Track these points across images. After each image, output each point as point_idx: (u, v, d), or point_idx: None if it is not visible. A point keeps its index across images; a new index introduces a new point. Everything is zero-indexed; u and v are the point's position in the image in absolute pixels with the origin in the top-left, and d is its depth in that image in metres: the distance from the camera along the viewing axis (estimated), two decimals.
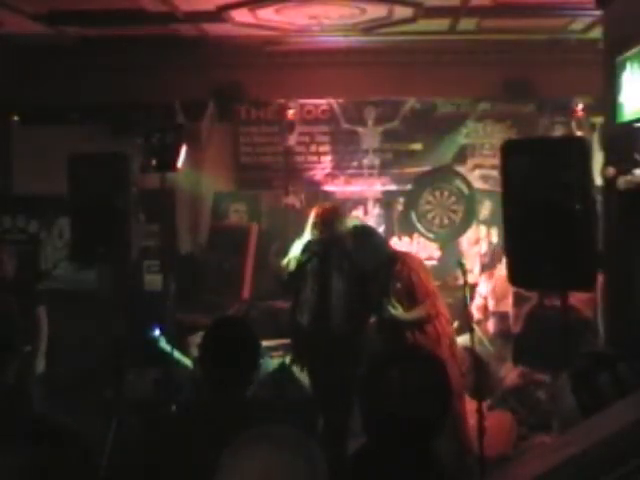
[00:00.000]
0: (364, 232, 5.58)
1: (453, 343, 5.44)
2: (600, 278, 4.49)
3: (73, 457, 1.57)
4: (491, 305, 7.39)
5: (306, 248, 5.50)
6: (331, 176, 8.53)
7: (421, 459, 2.07)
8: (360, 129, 8.50)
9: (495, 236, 8.13)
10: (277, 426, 1.73)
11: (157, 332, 5.90)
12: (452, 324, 5.64)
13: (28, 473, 1.49)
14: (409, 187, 8.42)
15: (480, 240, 8.37)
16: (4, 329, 2.87)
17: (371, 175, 8.49)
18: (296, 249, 5.57)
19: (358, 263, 5.39)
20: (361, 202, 8.51)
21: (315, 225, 5.49)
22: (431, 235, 8.31)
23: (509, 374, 6.67)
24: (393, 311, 5.26)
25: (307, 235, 5.57)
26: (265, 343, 6.11)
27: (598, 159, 5.04)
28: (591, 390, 2.16)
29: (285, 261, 5.58)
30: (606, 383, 2.02)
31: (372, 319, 5.61)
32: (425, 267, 5.66)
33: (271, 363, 6.17)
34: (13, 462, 1.49)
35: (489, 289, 7.46)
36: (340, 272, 5.44)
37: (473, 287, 7.03)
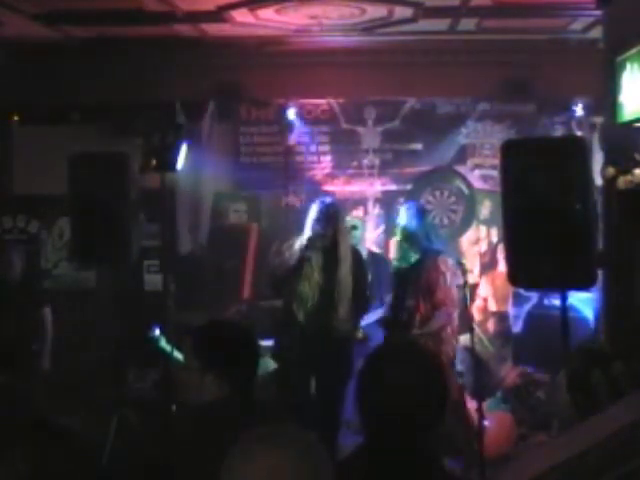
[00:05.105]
0: None
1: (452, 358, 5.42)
2: (600, 278, 4.49)
3: (74, 459, 1.57)
4: (491, 306, 7.40)
5: (310, 244, 5.27)
6: (331, 176, 8.52)
7: (419, 458, 2.06)
8: (360, 129, 8.49)
9: (495, 236, 8.13)
10: (281, 426, 1.73)
11: (157, 332, 5.90)
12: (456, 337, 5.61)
13: (32, 476, 1.49)
14: (409, 187, 8.42)
15: (480, 240, 8.37)
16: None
17: (371, 175, 8.49)
18: (296, 246, 5.37)
19: None
20: (361, 202, 8.51)
21: (318, 220, 5.31)
22: None
23: (509, 374, 6.67)
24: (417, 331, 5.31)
25: (308, 231, 5.33)
26: (265, 343, 6.11)
27: (598, 159, 5.04)
28: (585, 388, 2.15)
29: (287, 255, 5.37)
30: (599, 381, 2.00)
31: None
32: (455, 274, 5.52)
33: (271, 363, 6.16)
34: (17, 466, 1.50)
35: (489, 291, 7.46)
36: (344, 265, 5.30)
37: (473, 287, 7.03)
